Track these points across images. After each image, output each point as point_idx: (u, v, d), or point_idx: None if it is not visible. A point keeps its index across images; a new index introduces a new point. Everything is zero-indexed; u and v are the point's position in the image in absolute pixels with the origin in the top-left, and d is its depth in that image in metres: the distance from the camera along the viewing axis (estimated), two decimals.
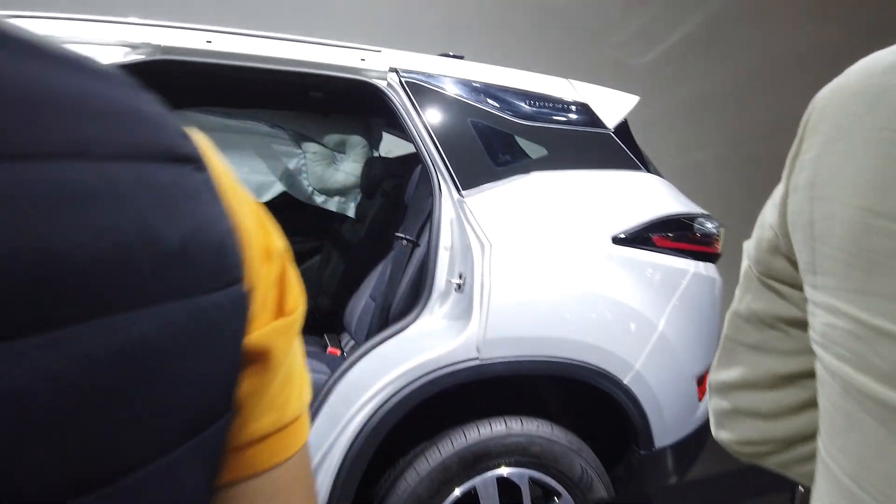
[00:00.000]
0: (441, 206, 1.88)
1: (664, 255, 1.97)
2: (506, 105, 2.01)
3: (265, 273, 0.42)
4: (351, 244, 3.01)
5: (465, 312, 1.81)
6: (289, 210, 3.23)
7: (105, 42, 1.66)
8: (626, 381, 1.89)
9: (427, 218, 2.08)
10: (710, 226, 2.09)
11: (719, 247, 2.11)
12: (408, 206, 2.29)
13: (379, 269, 2.45)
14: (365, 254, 2.74)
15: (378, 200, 2.84)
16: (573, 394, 2.04)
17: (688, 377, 2.03)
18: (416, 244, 2.08)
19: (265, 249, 0.43)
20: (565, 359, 1.84)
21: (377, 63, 1.93)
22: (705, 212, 2.12)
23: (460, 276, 1.84)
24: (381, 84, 1.94)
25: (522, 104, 2.04)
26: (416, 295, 1.99)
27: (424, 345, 1.81)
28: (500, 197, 1.89)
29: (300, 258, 3.35)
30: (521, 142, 2.02)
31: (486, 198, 1.88)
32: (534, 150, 2.03)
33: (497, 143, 1.98)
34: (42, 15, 1.61)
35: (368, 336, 2.18)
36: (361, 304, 2.46)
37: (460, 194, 1.87)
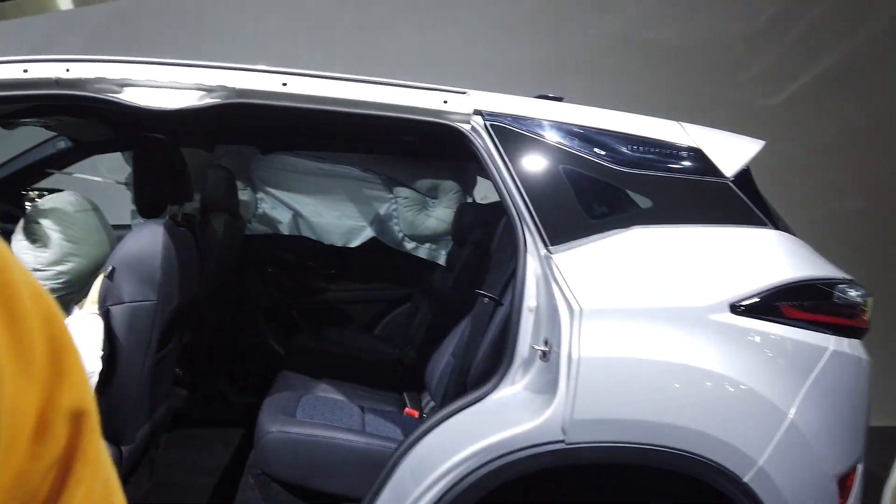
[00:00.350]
0: (526, 261, 1.67)
1: (795, 328, 1.64)
2: (604, 150, 1.79)
3: (30, 458, 0.24)
4: (440, 293, 2.85)
5: (550, 385, 1.57)
6: (379, 256, 3.13)
7: (180, 85, 1.62)
8: (746, 480, 1.57)
9: (511, 274, 1.87)
10: (853, 293, 1.73)
11: (866, 319, 1.74)
12: (492, 258, 2.10)
13: (462, 325, 2.26)
14: (452, 305, 2.56)
15: (468, 249, 2.67)
16: (677, 490, 1.72)
17: (826, 477, 1.67)
18: (498, 303, 1.87)
19: (39, 419, 0.25)
20: (670, 448, 1.55)
21: (461, 105, 1.78)
22: (847, 276, 1.77)
23: (546, 343, 1.61)
24: (465, 128, 1.78)
25: (623, 149, 1.80)
26: (496, 360, 1.77)
27: (503, 420, 1.59)
28: (594, 254, 1.66)
29: (389, 305, 3.23)
30: (622, 192, 1.78)
31: (578, 254, 1.65)
32: (636, 202, 1.78)
33: (593, 193, 1.75)
34: (118, 59, 1.59)
35: (445, 400, 1.98)
36: (443, 361, 2.27)
37: (548, 249, 1.65)
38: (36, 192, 3.02)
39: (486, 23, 3.77)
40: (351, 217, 3.01)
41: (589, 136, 1.81)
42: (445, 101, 1.76)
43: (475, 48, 3.73)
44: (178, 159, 1.99)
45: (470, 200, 3.11)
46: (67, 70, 1.59)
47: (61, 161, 2.85)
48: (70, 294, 2.47)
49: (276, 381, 2.27)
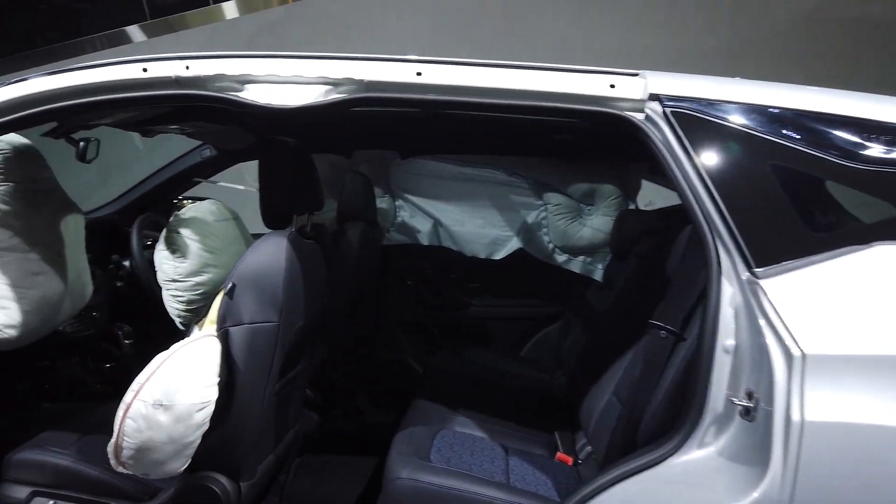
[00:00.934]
0: (721, 287, 1.27)
1: None
2: (831, 142, 1.34)
3: None
4: (597, 314, 2.47)
5: (756, 454, 1.17)
6: (527, 270, 2.82)
7: (303, 80, 1.41)
8: None
9: (697, 302, 1.48)
10: None
11: None
12: (670, 280, 1.70)
13: (628, 357, 1.88)
14: (612, 329, 2.18)
15: (631, 264, 2.28)
16: None
17: None
18: (680, 337, 1.49)
19: None
20: None
21: (632, 89, 1.42)
22: None
23: (749, 396, 1.21)
24: (637, 117, 1.42)
25: (859, 140, 1.35)
26: (677, 410, 1.39)
27: (689, 496, 1.22)
28: (819, 279, 1.23)
29: (537, 324, 2.91)
30: (856, 197, 1.33)
31: (797, 279, 1.23)
32: (877, 211, 1.32)
33: (816, 199, 1.32)
34: (238, 54, 1.41)
35: (610, 451, 1.62)
36: (602, 399, 1.91)
37: (752, 273, 1.25)
38: (188, 201, 3.04)
39: (649, 4, 3.33)
40: (495, 226, 2.72)
41: (808, 124, 1.37)
42: (613, 86, 1.41)
43: (638, 34, 3.29)
44: (307, 165, 1.80)
45: (632, 207, 2.70)
46: (187, 67, 1.44)
47: (207, 170, 2.84)
48: (207, 307, 2.40)
49: (410, 412, 2.03)
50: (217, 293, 1.57)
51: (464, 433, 1.93)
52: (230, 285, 1.54)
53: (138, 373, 2.39)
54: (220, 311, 1.54)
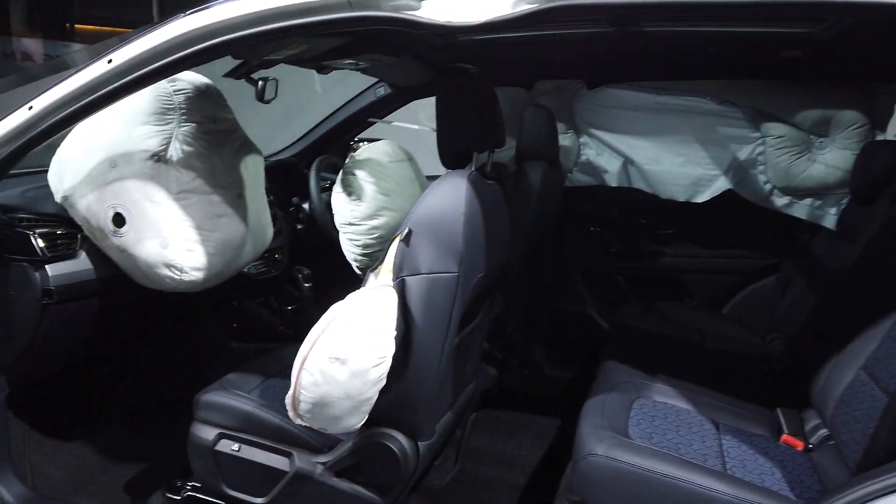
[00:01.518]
0: None
1: None
2: None
3: None
4: (828, 271, 2.04)
5: None
6: (735, 213, 2.42)
7: None
8: None
9: None
10: None
11: None
12: None
13: (884, 328, 1.49)
14: (857, 290, 1.77)
15: (883, 210, 1.82)
16: None
17: None
18: None
19: None
20: None
21: None
22: None
23: None
24: None
25: None
26: None
27: None
28: None
29: (744, 279, 2.51)
30: None
31: None
32: None
33: None
34: None
35: (873, 448, 1.29)
36: (847, 376, 1.54)
37: None
38: (361, 143, 2.99)
39: None
40: (699, 164, 2.34)
41: None
42: None
43: None
44: (489, 96, 1.59)
45: (880, 138, 2.18)
46: None
47: (382, 109, 2.73)
48: (383, 251, 2.32)
49: (601, 375, 1.80)
50: (393, 239, 1.43)
51: (665, 404, 1.67)
52: (406, 231, 1.39)
53: (317, 317, 2.40)
54: (395, 258, 1.40)
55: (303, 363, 1.30)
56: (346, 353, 1.28)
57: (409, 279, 1.39)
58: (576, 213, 2.59)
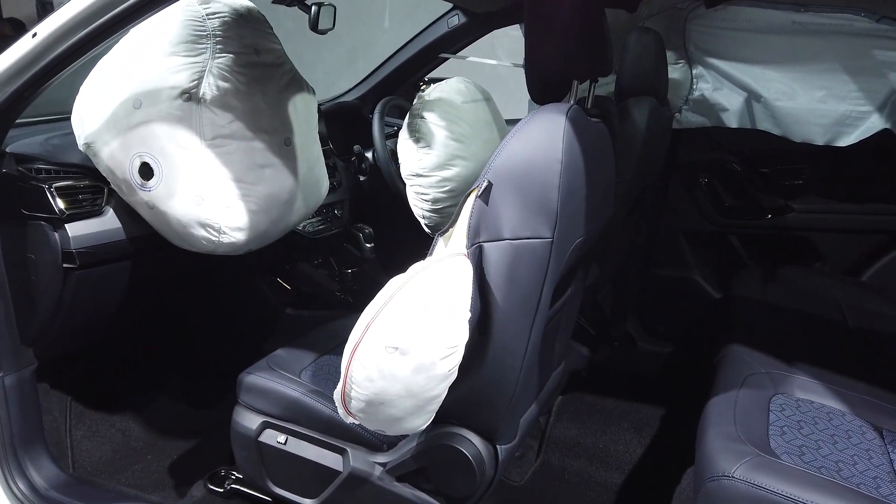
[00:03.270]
0: None
1: None
2: None
3: None
4: None
5: None
6: (882, 161, 1.97)
7: None
8: None
9: None
10: None
11: None
12: None
13: None
14: None
15: None
16: None
17: None
18: None
19: None
20: None
21: None
22: None
23: None
24: None
25: None
26: None
27: None
28: None
29: (892, 241, 2.07)
30: None
31: None
32: None
33: None
34: None
35: None
36: None
37: None
38: (431, 83, 2.67)
39: None
40: (845, 98, 1.89)
41: None
42: None
43: None
44: (593, 12, 1.22)
45: None
46: None
47: (456, 41, 2.39)
48: (455, 206, 2.02)
49: (724, 363, 1.46)
50: (469, 193, 1.12)
51: (810, 402, 1.31)
52: (484, 184, 1.07)
53: (379, 282, 2.13)
54: (471, 219, 1.09)
55: (353, 352, 1.03)
56: (408, 342, 1.00)
57: (487, 246, 1.09)
58: (682, 162, 2.19)
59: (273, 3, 1.73)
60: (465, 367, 1.07)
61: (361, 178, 2.17)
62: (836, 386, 1.37)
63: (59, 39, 1.19)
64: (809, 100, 1.93)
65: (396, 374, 1.01)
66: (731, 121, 2.05)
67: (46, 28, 1.18)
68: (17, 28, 3.45)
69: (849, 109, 1.89)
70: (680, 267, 2.29)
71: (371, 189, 2.16)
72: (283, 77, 1.52)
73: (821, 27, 1.87)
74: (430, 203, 1.97)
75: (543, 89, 1.21)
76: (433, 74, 2.61)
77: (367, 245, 2.05)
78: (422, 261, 1.09)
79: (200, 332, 2.00)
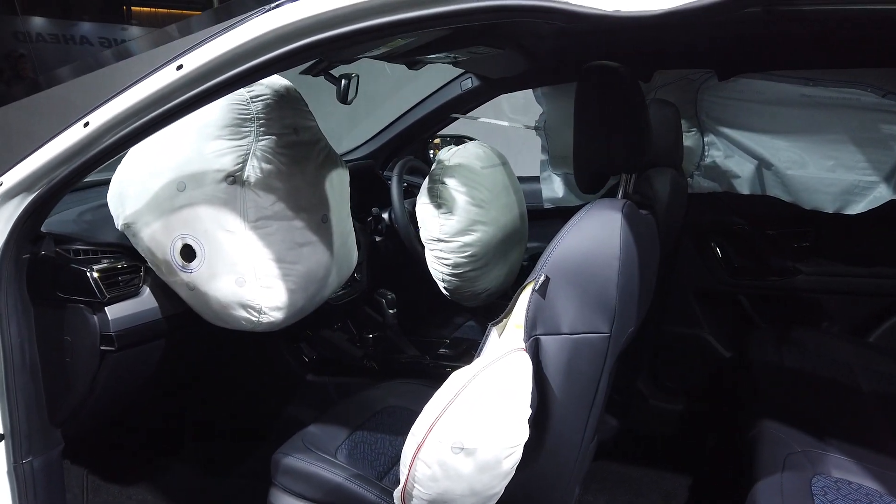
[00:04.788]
0: None
1: None
2: None
3: None
4: None
5: None
6: (887, 227, 2.04)
7: None
8: None
9: None
10: None
11: None
12: None
13: None
14: None
15: None
16: None
17: None
18: None
19: None
20: None
21: None
22: None
23: None
24: None
25: None
26: None
27: None
28: None
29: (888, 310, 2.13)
30: None
31: None
32: None
33: None
34: None
35: None
36: None
37: None
38: (440, 141, 2.70)
39: None
40: (853, 168, 1.96)
41: None
42: None
43: None
44: (640, 101, 1.26)
45: None
46: None
47: (468, 103, 2.43)
48: (475, 271, 2.04)
49: (761, 443, 1.48)
50: (524, 286, 1.13)
51: (848, 483, 1.34)
52: (542, 278, 1.09)
53: (399, 347, 2.12)
54: (527, 312, 1.11)
55: (417, 451, 1.03)
56: (474, 442, 1.00)
57: (545, 339, 1.10)
58: (694, 225, 2.24)
59: (301, 74, 1.75)
60: (522, 462, 1.07)
61: (378, 239, 2.17)
62: (868, 463, 1.40)
63: (110, 130, 1.18)
64: (819, 169, 1.99)
65: (462, 474, 1.01)
66: (743, 187, 2.11)
67: (98, 119, 1.18)
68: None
69: (857, 179, 1.96)
70: (690, 325, 2.32)
71: (387, 250, 2.16)
72: (320, 154, 1.53)
73: (829, 100, 1.94)
74: (450, 268, 1.99)
75: (590, 180, 1.24)
76: (444, 132, 2.64)
77: (391, 311, 2.05)
78: (482, 356, 1.09)
79: (221, 397, 1.97)
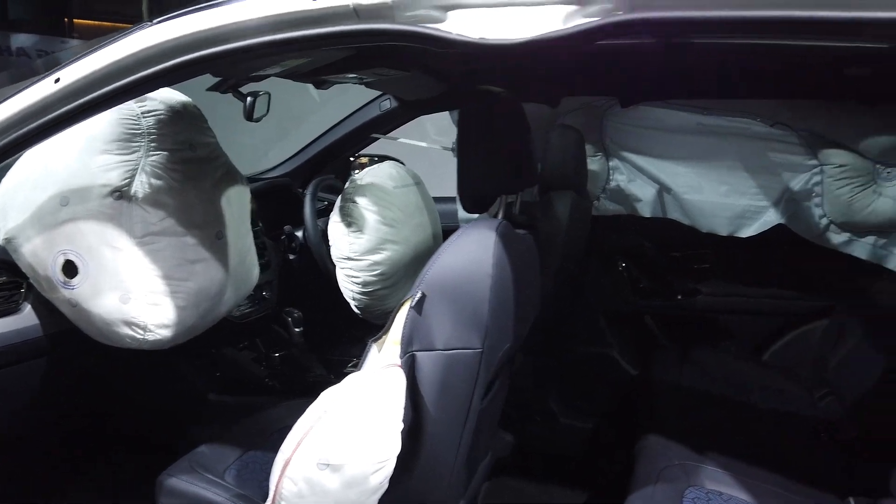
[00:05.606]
0: None
1: None
2: None
3: None
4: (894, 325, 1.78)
5: None
6: (782, 250, 2.15)
7: None
8: None
9: None
10: None
11: None
12: None
13: None
14: None
15: None
16: None
17: None
18: None
19: None
20: None
21: None
22: None
23: None
24: None
25: None
26: None
27: None
28: None
29: (789, 321, 2.24)
30: None
31: None
32: None
33: None
34: None
35: None
36: None
37: None
38: (365, 158, 2.72)
39: None
40: (745, 194, 2.07)
41: None
42: None
43: None
44: (523, 126, 1.31)
45: None
46: None
47: (386, 124, 2.46)
48: (386, 289, 2.05)
49: (642, 455, 1.53)
50: (402, 303, 1.16)
51: (720, 494, 1.40)
52: (418, 295, 1.11)
53: (307, 366, 2.11)
54: (405, 329, 1.13)
55: (284, 468, 1.03)
56: (340, 458, 1.01)
57: (420, 355, 1.12)
58: (600, 246, 2.31)
59: (207, 90, 1.75)
60: (396, 477, 1.09)
61: (291, 257, 2.17)
62: (742, 475, 1.46)
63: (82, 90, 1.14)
64: (714, 194, 2.09)
65: (328, 490, 1.02)
66: (645, 210, 2.20)
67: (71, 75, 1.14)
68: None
69: (749, 204, 2.07)
70: (599, 344, 2.38)
71: (300, 269, 2.16)
72: (217, 170, 1.53)
73: (723, 129, 2.05)
74: (360, 286, 1.99)
75: (475, 201, 1.28)
76: (367, 151, 2.66)
77: (297, 329, 2.04)
78: (356, 372, 1.11)
79: (118, 418, 1.91)
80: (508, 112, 1.28)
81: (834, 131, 1.95)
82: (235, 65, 1.28)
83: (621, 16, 0.88)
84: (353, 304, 2.05)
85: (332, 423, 1.03)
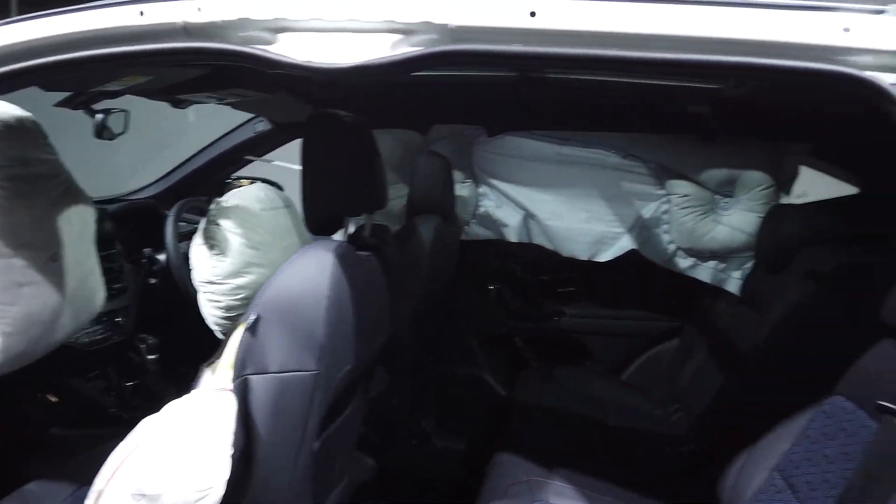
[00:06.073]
0: None
1: None
2: None
3: None
4: (732, 344, 1.92)
5: None
6: (637, 274, 2.28)
7: (360, 26, 0.94)
8: None
9: None
10: None
11: None
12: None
13: (799, 425, 1.34)
14: (765, 377, 1.64)
15: (794, 285, 1.71)
16: None
17: None
18: None
19: None
20: None
21: (878, 36, 0.88)
22: None
23: None
24: (885, 80, 0.87)
25: None
26: None
27: None
28: None
29: (645, 342, 2.38)
30: None
31: None
32: None
33: None
34: None
35: None
36: (759, 478, 1.38)
37: None
38: (247, 181, 2.66)
39: None
40: (602, 221, 2.19)
41: None
42: (847, 30, 0.87)
43: None
44: (369, 149, 1.33)
45: (784, 202, 2.11)
46: (199, 10, 0.99)
47: (261, 146, 2.43)
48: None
49: (491, 473, 1.57)
50: (237, 327, 1.14)
51: None
52: (253, 317, 1.10)
53: (161, 396, 2.01)
54: (238, 352, 1.11)
55: (96, 502, 0.98)
56: (157, 488, 0.97)
57: (253, 379, 1.11)
58: (471, 270, 2.37)
59: (55, 106, 1.67)
60: (226, 501, 1.05)
61: (152, 282, 2.08)
62: (587, 490, 1.52)
63: None
64: (574, 220, 2.20)
65: None
66: (512, 235, 2.28)
67: None
68: None
69: (605, 230, 2.19)
70: (471, 365, 2.43)
71: (162, 293, 2.07)
72: (56, 189, 1.45)
73: (580, 159, 2.17)
74: (223, 311, 1.92)
75: (319, 222, 1.28)
76: (244, 173, 2.61)
77: (150, 357, 1.95)
78: (179, 398, 1.07)
79: None
80: (354, 136, 1.30)
81: (679, 164, 2.11)
82: (56, 80, 1.24)
83: (441, 46, 0.92)
84: (215, 329, 1.98)
85: (148, 452, 0.99)
